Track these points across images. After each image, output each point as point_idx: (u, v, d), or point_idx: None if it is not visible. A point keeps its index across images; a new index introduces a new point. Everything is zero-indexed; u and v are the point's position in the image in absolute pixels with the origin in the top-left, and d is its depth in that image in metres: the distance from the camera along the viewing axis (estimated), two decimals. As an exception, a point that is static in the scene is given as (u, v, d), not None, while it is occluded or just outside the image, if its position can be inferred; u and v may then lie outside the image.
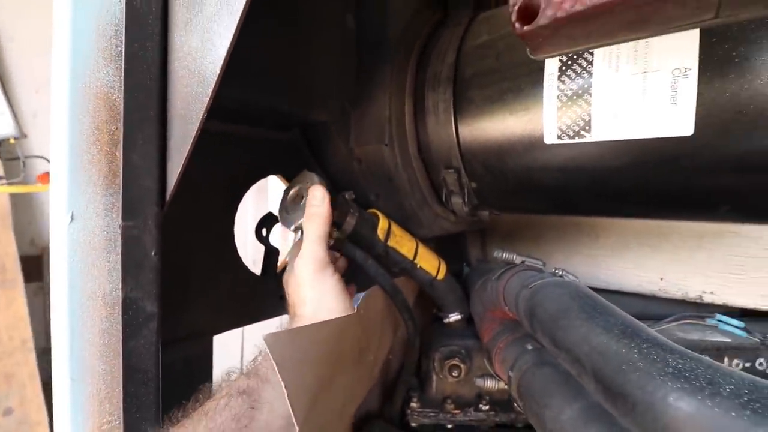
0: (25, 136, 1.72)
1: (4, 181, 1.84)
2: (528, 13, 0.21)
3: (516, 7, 0.21)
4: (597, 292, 0.49)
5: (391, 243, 0.57)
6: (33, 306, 2.30)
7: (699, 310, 0.71)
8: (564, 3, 0.19)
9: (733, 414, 0.27)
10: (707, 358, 0.32)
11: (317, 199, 0.51)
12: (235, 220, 0.57)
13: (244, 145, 0.58)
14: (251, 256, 0.72)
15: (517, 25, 0.22)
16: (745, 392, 0.28)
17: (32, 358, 2.21)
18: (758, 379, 0.29)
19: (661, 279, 0.76)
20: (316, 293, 0.48)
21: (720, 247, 0.70)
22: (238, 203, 0.57)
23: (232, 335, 0.62)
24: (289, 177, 0.65)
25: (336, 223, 0.53)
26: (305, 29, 0.54)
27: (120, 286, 0.37)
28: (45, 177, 1.89)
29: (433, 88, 0.57)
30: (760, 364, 0.64)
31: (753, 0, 0.18)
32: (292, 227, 0.52)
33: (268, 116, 0.59)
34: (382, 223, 0.57)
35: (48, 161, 1.92)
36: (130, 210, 0.36)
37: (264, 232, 0.61)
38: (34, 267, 2.39)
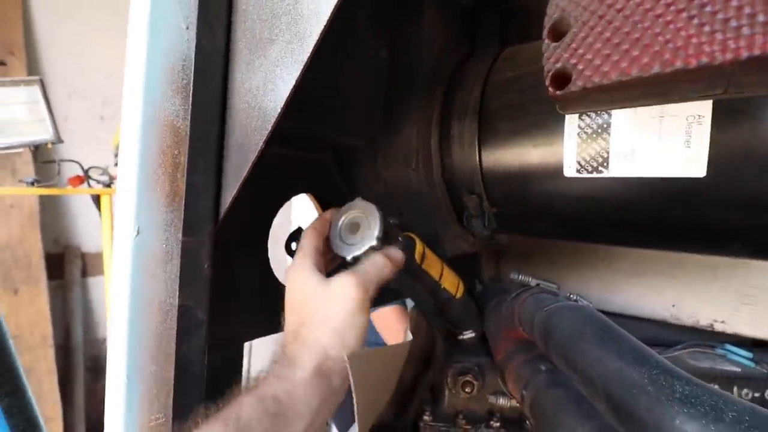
0: (62, 141, 1.80)
1: (37, 183, 1.93)
2: (560, 80, 0.25)
3: (550, 74, 0.25)
4: (610, 316, 0.51)
5: (424, 266, 0.59)
6: (53, 303, 2.37)
7: (710, 338, 0.72)
8: (593, 76, 0.23)
9: (736, 439, 0.30)
10: (712, 385, 0.34)
11: (396, 260, 0.51)
12: (269, 235, 0.61)
13: (279, 165, 0.62)
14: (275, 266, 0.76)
15: (550, 89, 0.25)
16: (746, 419, 0.31)
17: (51, 354, 2.27)
18: (758, 407, 0.32)
19: (674, 306, 0.78)
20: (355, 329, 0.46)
21: (733, 278, 0.72)
22: (273, 219, 0.61)
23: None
24: (319, 196, 0.69)
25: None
26: (342, 62, 0.58)
27: (175, 295, 0.41)
28: (76, 180, 1.97)
29: (459, 118, 0.61)
30: (770, 395, 0.65)
31: (756, 84, 0.21)
32: (350, 257, 0.52)
33: (303, 139, 0.63)
34: (419, 247, 0.58)
35: (80, 165, 2.00)
36: (189, 227, 0.40)
37: (293, 246, 0.65)
38: (57, 265, 2.47)
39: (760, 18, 0.17)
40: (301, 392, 0.40)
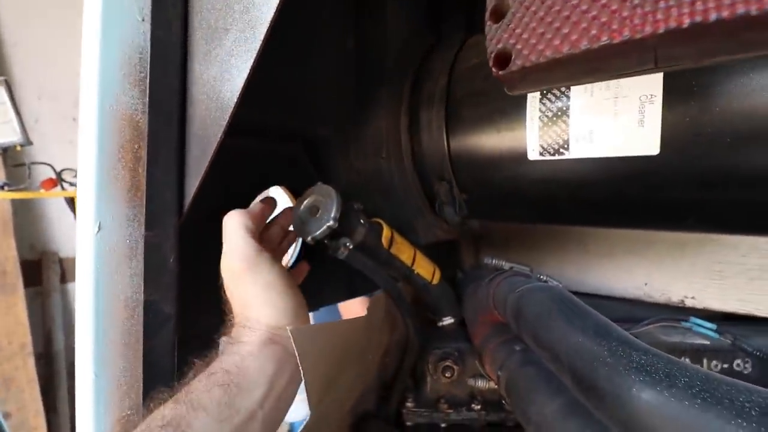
0: (31, 143, 1.75)
1: (8, 187, 1.87)
2: (502, 60, 0.25)
3: (493, 55, 0.26)
4: (585, 297, 0.52)
5: (393, 250, 0.61)
6: (31, 310, 2.31)
7: (681, 314, 0.74)
8: (530, 55, 0.23)
9: (686, 403, 0.31)
10: (666, 354, 0.36)
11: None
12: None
13: (249, 158, 0.62)
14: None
15: (494, 69, 0.26)
16: (698, 384, 0.32)
17: (31, 362, 2.22)
18: (710, 372, 0.33)
19: (646, 284, 0.80)
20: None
21: (701, 255, 0.74)
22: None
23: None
24: (292, 188, 0.69)
25: (347, 233, 0.54)
26: (309, 52, 0.58)
27: (140, 290, 0.40)
28: (49, 183, 1.92)
29: (427, 106, 0.62)
30: (738, 365, 0.68)
31: (682, 56, 0.22)
32: (309, 238, 0.53)
33: (271, 131, 0.63)
34: (386, 232, 0.60)
35: (52, 168, 1.95)
36: (151, 221, 0.40)
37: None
38: (34, 272, 2.41)
39: (675, -9, 0.18)
40: (251, 362, 0.39)
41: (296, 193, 0.71)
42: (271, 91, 0.51)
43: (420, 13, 0.69)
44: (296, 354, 0.39)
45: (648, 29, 0.19)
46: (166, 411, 0.34)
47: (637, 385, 0.34)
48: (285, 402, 0.42)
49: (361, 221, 0.56)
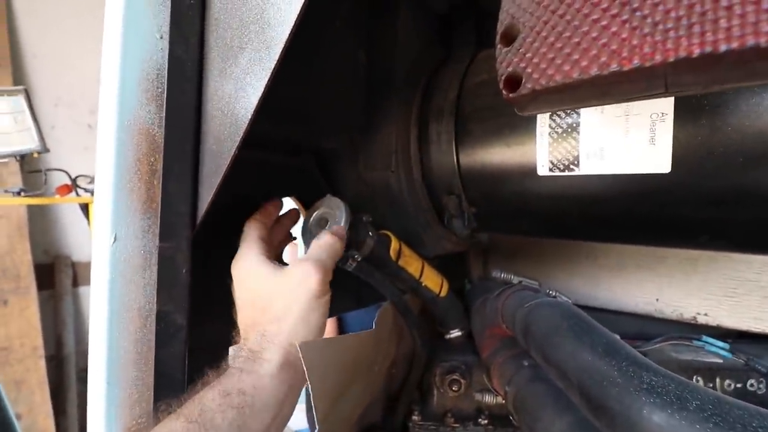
0: (48, 150, 1.80)
1: (24, 192, 1.92)
2: (512, 83, 0.26)
3: (503, 78, 0.26)
4: (595, 312, 0.52)
5: (401, 263, 0.61)
6: (44, 313, 2.35)
7: (694, 331, 0.73)
8: (540, 79, 0.24)
9: (698, 426, 0.31)
10: (677, 375, 0.35)
11: (339, 233, 0.51)
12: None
13: (260, 170, 0.63)
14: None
15: (504, 91, 0.26)
16: (710, 407, 0.32)
17: (42, 365, 2.25)
18: (722, 395, 0.33)
19: (657, 300, 0.79)
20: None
21: (714, 271, 0.73)
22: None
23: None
24: (302, 199, 0.70)
25: (355, 245, 0.54)
26: (319, 66, 0.59)
27: (153, 300, 0.41)
28: (64, 189, 1.96)
29: (436, 120, 0.62)
30: (751, 385, 0.66)
31: (692, 83, 0.22)
32: (303, 255, 0.52)
33: (282, 144, 0.64)
34: (394, 244, 0.60)
35: (67, 174, 1.99)
36: (166, 232, 0.41)
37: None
38: (47, 275, 2.46)
39: (685, 22, 0.18)
40: (267, 383, 0.40)
41: (306, 204, 0.72)
42: (283, 104, 0.52)
43: (431, 27, 0.70)
44: (304, 368, 0.39)
45: (658, 58, 0.19)
46: (176, 426, 0.35)
47: (647, 407, 0.33)
48: (285, 423, 0.43)
49: (370, 233, 0.56)
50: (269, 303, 0.45)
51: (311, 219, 0.56)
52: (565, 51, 0.22)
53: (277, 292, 0.45)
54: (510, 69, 0.25)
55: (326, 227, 0.54)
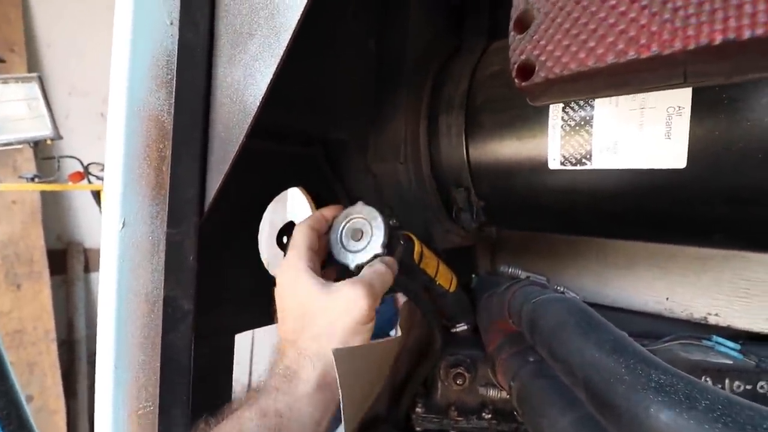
0: (61, 137, 1.82)
1: (38, 179, 1.95)
2: (525, 72, 0.25)
3: (516, 66, 0.25)
4: (603, 310, 0.51)
5: (422, 265, 0.59)
6: (56, 298, 2.40)
7: (704, 331, 0.72)
8: (554, 68, 0.23)
9: (707, 426, 0.30)
10: (686, 374, 0.35)
11: (394, 268, 0.50)
12: (259, 228, 0.61)
13: (268, 160, 0.63)
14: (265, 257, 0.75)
15: (516, 80, 0.26)
16: (719, 407, 0.31)
17: (54, 348, 2.30)
18: (732, 396, 0.32)
19: (667, 299, 0.78)
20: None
21: (726, 270, 0.72)
22: (263, 213, 0.62)
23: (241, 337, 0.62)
24: (310, 189, 0.70)
25: (388, 254, 0.52)
26: (330, 55, 0.59)
27: (161, 286, 0.42)
28: (76, 176, 1.99)
29: (446, 112, 0.61)
30: (761, 387, 0.65)
31: (713, 72, 0.21)
32: (353, 266, 0.51)
33: (291, 134, 0.63)
34: (417, 247, 0.58)
35: (80, 161, 2.02)
36: (174, 219, 0.41)
37: (285, 239, 0.66)
38: (59, 261, 2.50)
39: (707, 7, 0.17)
40: (304, 406, 0.40)
41: (314, 195, 0.71)
42: (291, 94, 0.52)
43: (442, 17, 0.69)
44: (337, 377, 0.39)
45: (678, 45, 0.18)
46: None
47: (655, 405, 0.33)
48: None
49: (401, 242, 0.54)
50: (312, 319, 0.44)
51: (343, 228, 0.53)
52: (580, 38, 0.22)
53: (323, 308, 0.44)
54: (523, 57, 0.25)
55: (360, 239, 0.51)
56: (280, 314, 0.48)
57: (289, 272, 0.47)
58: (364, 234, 0.52)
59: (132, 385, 0.42)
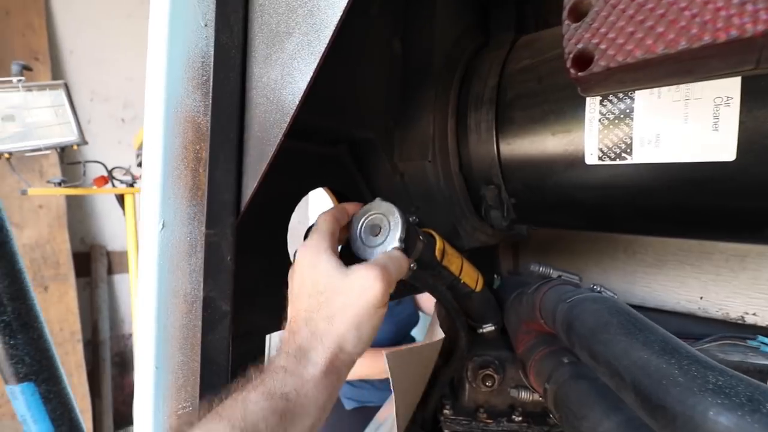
0: (86, 143, 1.87)
1: (64, 183, 2.00)
2: (582, 61, 0.24)
3: (571, 56, 0.24)
4: (634, 309, 0.50)
5: (444, 262, 0.59)
6: (81, 300, 2.46)
7: (741, 331, 0.70)
8: (616, 56, 0.22)
9: (773, 430, 0.29)
10: (747, 377, 0.33)
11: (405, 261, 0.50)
12: (288, 228, 0.61)
13: (296, 160, 0.63)
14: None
15: (572, 71, 0.25)
16: (785, 410, 0.30)
17: (80, 348, 2.36)
18: (798, 398, 0.31)
19: (701, 298, 0.76)
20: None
21: (764, 268, 0.69)
22: (291, 214, 0.62)
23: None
24: (336, 189, 0.70)
25: (407, 252, 0.52)
26: (355, 53, 0.58)
27: (199, 287, 0.42)
28: (101, 180, 2.04)
29: (475, 108, 0.60)
30: (806, 390, 0.63)
31: (790, 55, 0.20)
32: (372, 260, 0.50)
33: (318, 133, 0.63)
34: (439, 244, 0.58)
35: (104, 166, 2.07)
36: (211, 220, 0.41)
37: (311, 239, 0.66)
38: (84, 263, 2.56)
39: (797, -15, 0.16)
40: (311, 389, 0.39)
41: (339, 195, 0.71)
42: (320, 93, 0.51)
43: (469, 12, 0.68)
44: (390, 380, 0.38)
45: (760, 27, 0.17)
46: (219, 429, 0.34)
47: (714, 408, 0.31)
48: (317, 429, 0.42)
49: (420, 237, 0.54)
50: (327, 299, 0.43)
51: (361, 224, 0.53)
52: (647, 24, 0.21)
53: (339, 288, 0.43)
54: (580, 45, 0.24)
55: (378, 234, 0.51)
56: (295, 292, 0.47)
57: (311, 251, 0.47)
58: (382, 229, 0.52)
59: (172, 385, 0.42)
